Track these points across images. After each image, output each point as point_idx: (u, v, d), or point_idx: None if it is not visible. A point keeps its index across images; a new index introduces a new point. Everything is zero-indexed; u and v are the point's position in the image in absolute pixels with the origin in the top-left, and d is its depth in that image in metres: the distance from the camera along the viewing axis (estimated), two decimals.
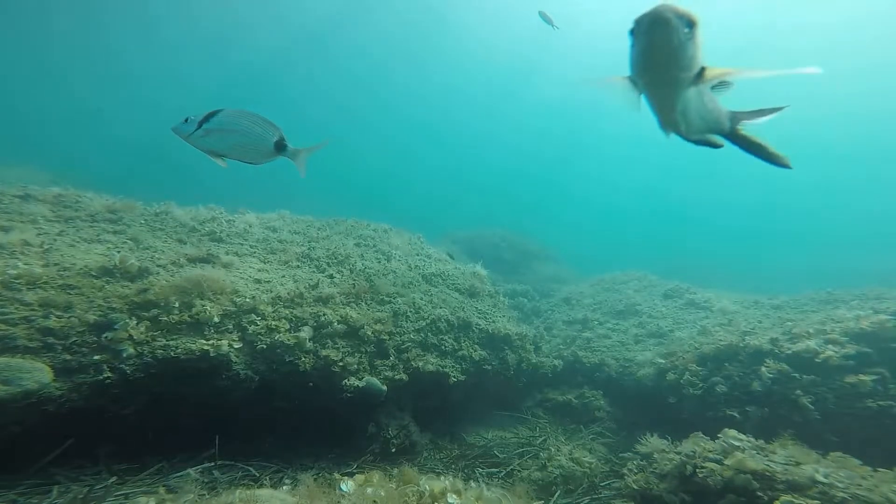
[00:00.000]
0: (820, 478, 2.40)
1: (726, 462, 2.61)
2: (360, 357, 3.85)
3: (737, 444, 2.76)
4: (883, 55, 29.46)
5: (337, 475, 2.07)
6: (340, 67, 40.69)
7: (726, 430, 2.92)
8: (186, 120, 2.45)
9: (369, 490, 1.85)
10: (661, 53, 1.60)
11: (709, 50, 1.73)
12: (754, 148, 2.16)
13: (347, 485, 1.91)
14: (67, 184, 5.36)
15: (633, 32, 1.62)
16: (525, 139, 47.81)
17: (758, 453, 2.65)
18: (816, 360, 3.99)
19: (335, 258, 5.11)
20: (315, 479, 2.01)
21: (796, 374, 4.00)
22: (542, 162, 49.11)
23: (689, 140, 2.12)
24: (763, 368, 4.12)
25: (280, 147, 2.52)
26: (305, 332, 3.69)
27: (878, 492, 2.32)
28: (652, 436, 3.25)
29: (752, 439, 2.83)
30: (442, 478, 1.98)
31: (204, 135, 2.41)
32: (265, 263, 4.66)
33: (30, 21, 29.87)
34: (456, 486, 1.91)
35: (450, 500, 1.80)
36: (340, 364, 3.68)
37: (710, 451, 2.78)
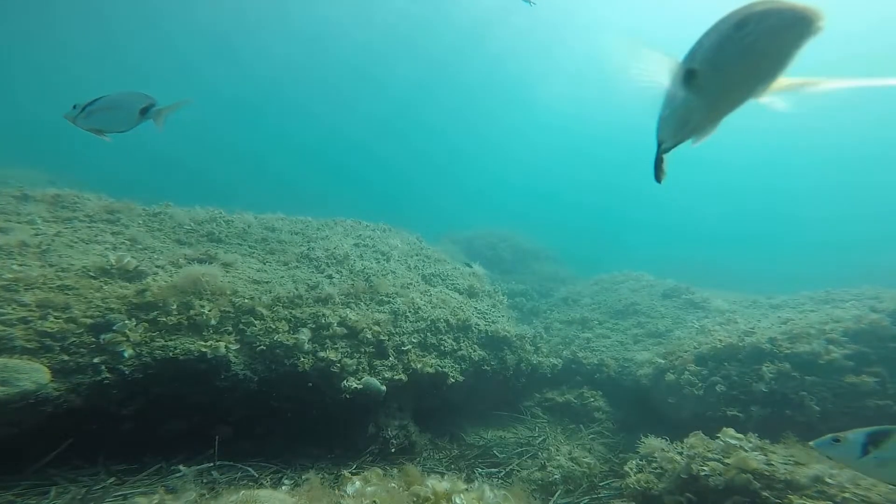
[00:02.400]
0: (825, 478, 2.40)
1: (728, 461, 2.61)
2: (360, 357, 3.85)
3: (736, 443, 2.75)
4: (873, 66, 29.48)
5: (348, 473, 2.05)
6: (343, 65, 40.64)
7: (725, 429, 2.91)
8: (74, 107, 2.73)
9: (369, 489, 1.84)
10: (782, 58, 1.29)
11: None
12: (660, 162, 2.08)
13: (355, 485, 1.89)
14: (65, 184, 5.35)
15: (744, 24, 1.30)
16: (526, 138, 47.84)
17: (760, 453, 2.65)
18: (819, 361, 4.00)
19: (334, 258, 5.11)
20: (321, 481, 2.00)
21: (796, 374, 4.01)
22: (541, 161, 49.16)
23: (665, 151, 1.99)
24: (764, 368, 4.12)
25: (145, 111, 2.71)
26: (304, 333, 3.68)
27: (876, 491, 2.33)
28: (651, 436, 3.24)
29: (754, 439, 2.82)
30: (445, 478, 1.96)
31: (86, 116, 2.70)
32: (264, 264, 4.65)
33: (30, 19, 29.80)
34: (457, 486, 1.90)
35: (456, 501, 1.79)
36: (339, 365, 3.67)
37: (710, 451, 2.78)
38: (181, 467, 2.99)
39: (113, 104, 2.71)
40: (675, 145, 1.91)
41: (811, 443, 2.02)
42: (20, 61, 31.75)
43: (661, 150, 1.99)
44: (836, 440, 1.89)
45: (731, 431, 2.86)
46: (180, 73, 37.71)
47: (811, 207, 37.80)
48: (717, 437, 2.87)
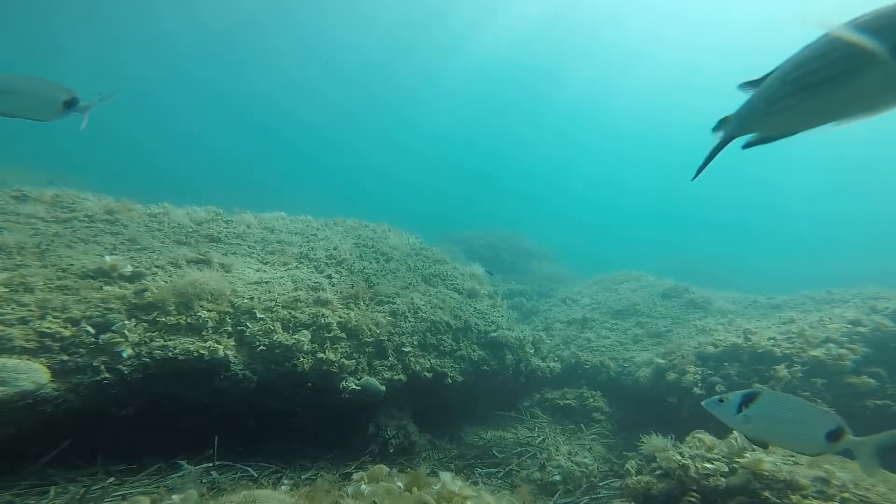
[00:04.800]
0: (826, 478, 2.40)
1: (740, 461, 2.59)
2: (359, 358, 3.85)
3: (745, 445, 2.71)
4: None
5: (363, 473, 2.03)
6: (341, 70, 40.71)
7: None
8: None
9: (369, 489, 1.83)
10: None
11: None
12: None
13: (358, 486, 1.86)
14: (64, 184, 5.34)
15: None
16: (523, 139, 47.83)
17: (766, 454, 2.63)
18: (824, 363, 4.00)
19: (334, 259, 5.10)
20: (329, 483, 1.98)
21: (800, 375, 4.01)
22: (540, 161, 49.18)
23: (764, 142, 1.81)
24: (781, 371, 4.09)
25: (70, 104, 2.64)
26: (304, 334, 3.68)
27: (875, 491, 2.33)
28: (652, 435, 3.22)
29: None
30: (458, 482, 1.93)
31: None
32: (264, 264, 4.65)
33: (29, 18, 29.79)
34: (464, 491, 1.88)
35: None
36: (339, 365, 3.67)
37: (712, 451, 2.76)
38: (185, 464, 2.99)
39: (17, 89, 2.51)
40: (786, 136, 1.69)
41: (703, 402, 2.31)
42: (19, 60, 31.74)
43: (744, 141, 1.80)
44: (721, 401, 2.19)
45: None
46: (180, 73, 37.70)
47: (815, 204, 37.89)
48: (731, 437, 2.82)
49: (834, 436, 1.96)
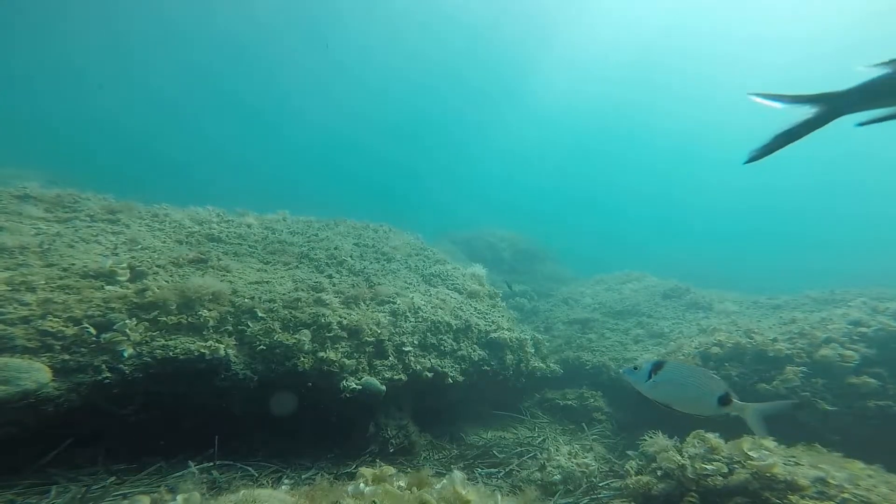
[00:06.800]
0: (826, 479, 2.39)
1: (748, 465, 2.57)
2: (359, 357, 3.85)
3: (753, 449, 2.69)
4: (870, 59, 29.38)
5: (369, 472, 2.02)
6: (341, 64, 40.69)
7: (759, 438, 2.77)
8: None
9: (367, 489, 1.83)
10: None
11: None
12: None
13: (357, 486, 1.86)
14: (66, 184, 5.36)
15: None
16: (521, 139, 47.80)
17: (778, 459, 2.61)
18: (825, 362, 3.98)
19: (334, 259, 5.11)
20: (329, 482, 1.97)
21: (801, 375, 4.00)
22: (539, 161, 49.11)
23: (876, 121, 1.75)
24: (788, 371, 4.07)
25: None
26: (304, 333, 3.68)
27: (876, 492, 2.32)
28: (657, 434, 3.20)
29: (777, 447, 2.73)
30: (468, 486, 1.91)
31: None
32: (264, 264, 4.66)
33: (30, 17, 29.83)
34: (469, 495, 1.86)
35: None
36: (339, 364, 3.67)
37: (715, 452, 2.75)
38: (191, 464, 3.00)
39: None
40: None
41: (620, 370, 2.65)
42: (20, 60, 31.81)
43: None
44: (636, 368, 2.49)
45: (768, 441, 2.72)
46: (185, 70, 37.69)
47: (814, 204, 37.81)
48: (742, 440, 2.78)
49: (723, 400, 2.25)
